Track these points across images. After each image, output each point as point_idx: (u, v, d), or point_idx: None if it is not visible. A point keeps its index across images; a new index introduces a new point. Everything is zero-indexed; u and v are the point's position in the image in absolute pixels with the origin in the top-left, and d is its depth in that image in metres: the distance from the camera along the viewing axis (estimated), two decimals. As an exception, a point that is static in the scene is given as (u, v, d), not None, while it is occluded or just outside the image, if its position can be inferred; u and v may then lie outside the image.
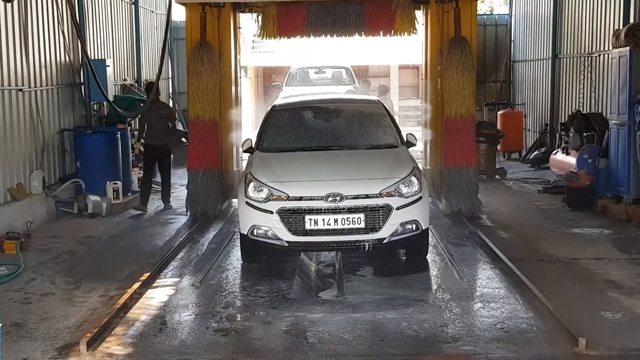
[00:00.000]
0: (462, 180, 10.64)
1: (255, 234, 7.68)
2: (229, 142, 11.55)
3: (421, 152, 12.31)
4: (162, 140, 11.84)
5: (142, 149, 12.21)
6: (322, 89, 18.28)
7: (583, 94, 14.91)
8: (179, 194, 12.54)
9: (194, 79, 10.91)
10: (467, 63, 10.62)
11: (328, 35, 11.75)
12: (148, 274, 7.71)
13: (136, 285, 7.29)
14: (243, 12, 11.86)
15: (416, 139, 8.84)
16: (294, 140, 8.77)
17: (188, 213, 10.95)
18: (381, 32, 11.68)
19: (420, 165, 9.28)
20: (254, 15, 11.69)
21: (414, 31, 11.43)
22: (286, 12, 11.43)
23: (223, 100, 11.20)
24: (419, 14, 11.62)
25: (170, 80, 19.99)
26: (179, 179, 14.01)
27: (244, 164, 10.48)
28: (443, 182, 10.88)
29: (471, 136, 10.82)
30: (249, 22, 12.93)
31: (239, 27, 12.10)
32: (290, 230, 7.47)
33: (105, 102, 12.77)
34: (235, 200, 11.28)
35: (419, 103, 22.42)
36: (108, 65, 13.04)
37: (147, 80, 17.34)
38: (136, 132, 15.06)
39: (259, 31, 11.65)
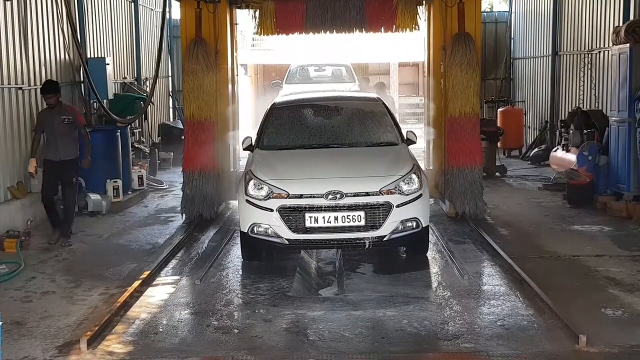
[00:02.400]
0: (467, 181, 10.36)
1: (256, 231, 7.67)
2: (225, 142, 11.27)
3: (423, 151, 12.18)
4: (65, 155, 9.44)
5: (31, 171, 9.47)
6: (322, 87, 18.23)
7: (583, 91, 14.90)
8: (179, 192, 12.52)
9: (189, 77, 10.65)
10: (471, 60, 10.34)
11: (327, 32, 11.48)
12: (148, 272, 7.71)
13: (136, 284, 7.29)
14: (240, 7, 11.62)
15: (416, 137, 8.81)
16: (294, 137, 8.76)
17: (183, 216, 10.69)
18: (382, 29, 11.45)
19: (422, 166, 9.21)
20: (251, 11, 11.49)
21: (416, 27, 11.19)
22: (284, 7, 11.24)
23: (219, 99, 10.95)
24: (421, 10, 11.37)
25: (170, 78, 20.00)
26: (179, 177, 13.98)
27: (242, 164, 10.39)
28: (446, 183, 10.62)
29: (476, 136, 10.57)
30: (246, 19, 12.79)
31: (236, 24, 11.87)
32: (290, 228, 7.47)
33: (105, 100, 12.69)
34: (232, 202, 11.22)
35: (419, 101, 22.46)
36: (108, 64, 13.04)
37: (146, 78, 17.34)
38: (136, 131, 15.07)
39: (256, 27, 11.42)
